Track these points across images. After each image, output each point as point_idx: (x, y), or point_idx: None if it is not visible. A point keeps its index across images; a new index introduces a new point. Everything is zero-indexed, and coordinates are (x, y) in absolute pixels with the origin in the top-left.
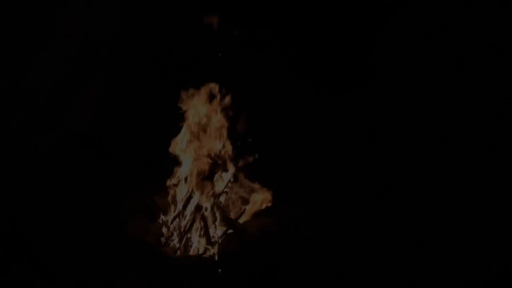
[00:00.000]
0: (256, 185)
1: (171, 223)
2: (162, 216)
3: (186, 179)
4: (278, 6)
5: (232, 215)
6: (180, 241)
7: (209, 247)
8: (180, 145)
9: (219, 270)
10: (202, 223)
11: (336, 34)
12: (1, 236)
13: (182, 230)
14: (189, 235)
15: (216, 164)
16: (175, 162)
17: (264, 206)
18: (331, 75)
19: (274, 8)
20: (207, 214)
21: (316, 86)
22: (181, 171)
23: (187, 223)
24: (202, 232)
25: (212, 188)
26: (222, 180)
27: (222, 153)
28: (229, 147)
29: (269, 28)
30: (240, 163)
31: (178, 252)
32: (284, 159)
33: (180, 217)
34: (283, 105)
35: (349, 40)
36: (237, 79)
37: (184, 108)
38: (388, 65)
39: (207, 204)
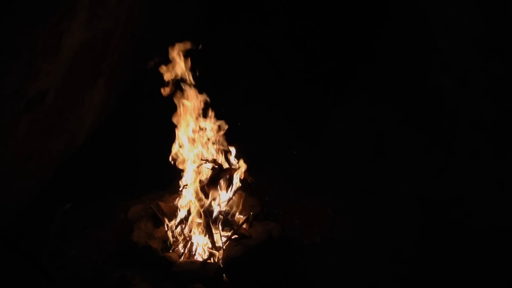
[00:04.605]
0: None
1: (176, 228)
2: (167, 222)
3: (191, 184)
4: None
5: (237, 221)
6: (185, 246)
7: (214, 252)
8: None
9: (224, 276)
10: (207, 229)
11: None
12: (5, 239)
13: (187, 235)
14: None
15: (221, 170)
16: (180, 168)
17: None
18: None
19: None
20: (212, 219)
21: None
22: (186, 177)
23: (192, 228)
24: (207, 238)
25: (217, 194)
26: (227, 185)
27: (227, 159)
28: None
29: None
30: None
31: (183, 257)
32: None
33: (185, 222)
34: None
35: None
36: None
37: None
38: None
39: (212, 210)
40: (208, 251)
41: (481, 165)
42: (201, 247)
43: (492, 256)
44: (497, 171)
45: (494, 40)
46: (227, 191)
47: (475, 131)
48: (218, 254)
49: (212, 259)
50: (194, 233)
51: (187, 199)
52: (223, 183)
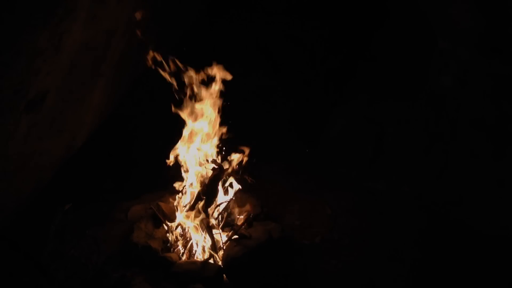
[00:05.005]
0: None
1: (176, 228)
2: (167, 222)
3: (191, 184)
4: None
5: (237, 221)
6: (185, 246)
7: (214, 252)
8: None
9: (224, 276)
10: (207, 229)
11: None
12: (5, 239)
13: (187, 235)
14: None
15: (222, 170)
16: (180, 168)
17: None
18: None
19: None
20: (212, 220)
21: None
22: (187, 177)
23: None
24: (207, 238)
25: (217, 194)
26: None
27: (228, 160)
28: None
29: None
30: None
31: (183, 257)
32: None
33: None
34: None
35: None
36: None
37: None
38: None
39: (212, 210)
40: (208, 251)
41: (481, 165)
42: (201, 247)
43: (492, 255)
44: (497, 171)
45: (494, 40)
46: (227, 191)
47: (475, 131)
48: (218, 255)
49: (212, 259)
50: (194, 233)
51: (188, 200)
52: (224, 184)
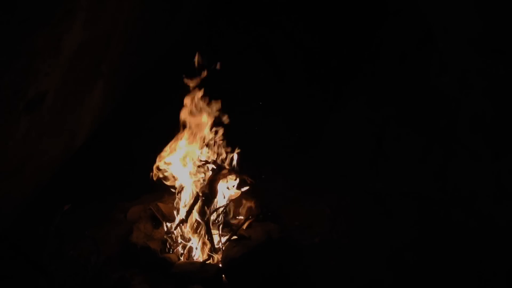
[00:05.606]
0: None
1: (175, 229)
2: (166, 223)
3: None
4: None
5: (236, 222)
6: (184, 247)
7: (213, 253)
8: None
9: (223, 276)
10: (206, 230)
11: None
12: (5, 240)
13: (186, 236)
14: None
15: (221, 171)
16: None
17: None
18: None
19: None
20: (211, 220)
21: None
22: (186, 178)
23: (191, 229)
24: (206, 239)
25: (217, 194)
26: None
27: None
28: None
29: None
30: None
31: (182, 258)
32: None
33: (184, 223)
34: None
35: None
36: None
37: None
38: None
39: (211, 210)
40: (207, 252)
41: (481, 165)
42: (200, 248)
43: (492, 256)
44: (497, 171)
45: (494, 41)
46: (226, 192)
47: (475, 131)
48: (218, 255)
49: (211, 260)
50: (194, 234)
51: (187, 200)
52: (223, 184)
